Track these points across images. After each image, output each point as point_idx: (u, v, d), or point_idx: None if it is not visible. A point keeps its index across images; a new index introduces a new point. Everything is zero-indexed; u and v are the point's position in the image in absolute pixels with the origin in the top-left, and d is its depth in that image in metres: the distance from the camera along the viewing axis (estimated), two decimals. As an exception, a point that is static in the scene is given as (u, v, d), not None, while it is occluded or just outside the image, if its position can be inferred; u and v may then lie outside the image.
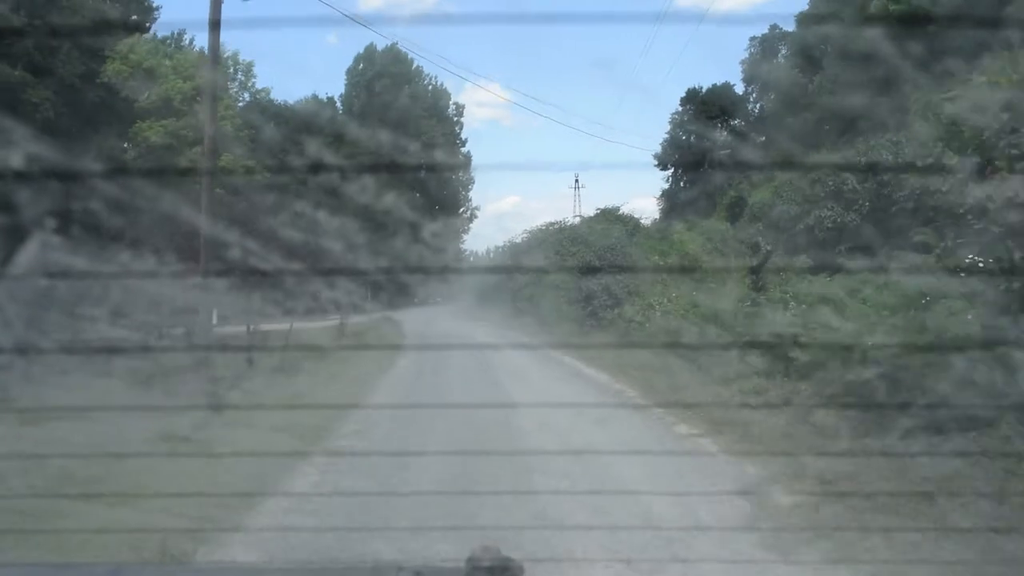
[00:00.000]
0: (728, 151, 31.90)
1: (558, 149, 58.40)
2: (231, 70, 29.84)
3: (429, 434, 7.76)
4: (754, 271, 11.36)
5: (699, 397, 9.08)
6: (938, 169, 9.59)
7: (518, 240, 28.08)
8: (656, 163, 40.87)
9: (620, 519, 5.00)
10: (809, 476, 5.58)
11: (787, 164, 17.67)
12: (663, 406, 8.79)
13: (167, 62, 23.94)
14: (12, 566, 2.26)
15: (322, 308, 17.10)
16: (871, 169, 14.72)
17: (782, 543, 4.52)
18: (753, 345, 8.95)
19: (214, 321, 12.80)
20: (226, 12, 11.68)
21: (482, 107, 63.49)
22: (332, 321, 17.98)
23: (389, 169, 16.61)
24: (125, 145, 22.44)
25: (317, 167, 14.82)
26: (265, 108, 29.86)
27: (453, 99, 41.15)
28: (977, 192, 5.99)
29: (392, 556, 4.02)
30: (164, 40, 26.22)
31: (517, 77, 67.58)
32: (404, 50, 36.17)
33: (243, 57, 31.06)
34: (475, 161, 39.73)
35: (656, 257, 19.92)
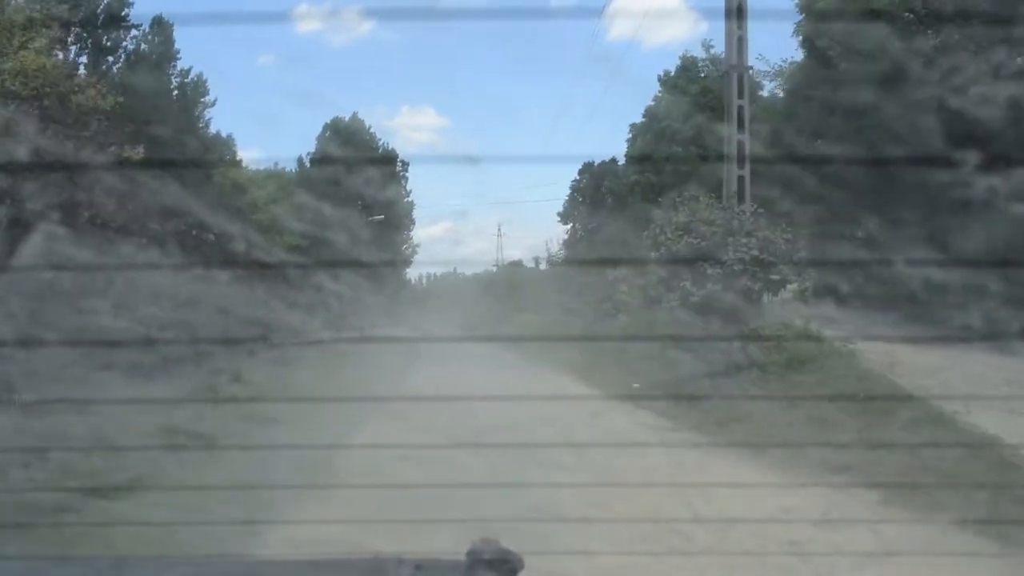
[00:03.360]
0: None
1: (490, 175, 69.66)
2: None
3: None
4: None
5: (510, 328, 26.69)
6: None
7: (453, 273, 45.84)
8: (559, 219, 56.82)
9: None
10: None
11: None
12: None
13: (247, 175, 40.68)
14: (13, 559, 2.35)
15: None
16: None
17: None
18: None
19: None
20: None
21: (418, 131, 71.40)
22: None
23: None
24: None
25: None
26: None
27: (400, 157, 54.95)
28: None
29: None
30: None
31: (452, 102, 69.93)
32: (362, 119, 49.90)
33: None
34: (411, 186, 50.60)
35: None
